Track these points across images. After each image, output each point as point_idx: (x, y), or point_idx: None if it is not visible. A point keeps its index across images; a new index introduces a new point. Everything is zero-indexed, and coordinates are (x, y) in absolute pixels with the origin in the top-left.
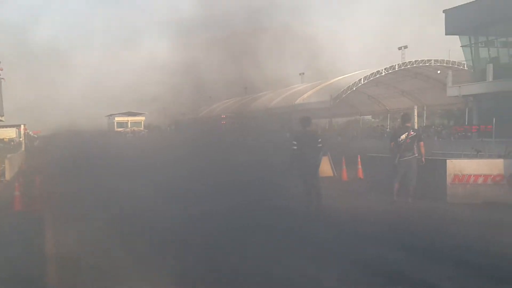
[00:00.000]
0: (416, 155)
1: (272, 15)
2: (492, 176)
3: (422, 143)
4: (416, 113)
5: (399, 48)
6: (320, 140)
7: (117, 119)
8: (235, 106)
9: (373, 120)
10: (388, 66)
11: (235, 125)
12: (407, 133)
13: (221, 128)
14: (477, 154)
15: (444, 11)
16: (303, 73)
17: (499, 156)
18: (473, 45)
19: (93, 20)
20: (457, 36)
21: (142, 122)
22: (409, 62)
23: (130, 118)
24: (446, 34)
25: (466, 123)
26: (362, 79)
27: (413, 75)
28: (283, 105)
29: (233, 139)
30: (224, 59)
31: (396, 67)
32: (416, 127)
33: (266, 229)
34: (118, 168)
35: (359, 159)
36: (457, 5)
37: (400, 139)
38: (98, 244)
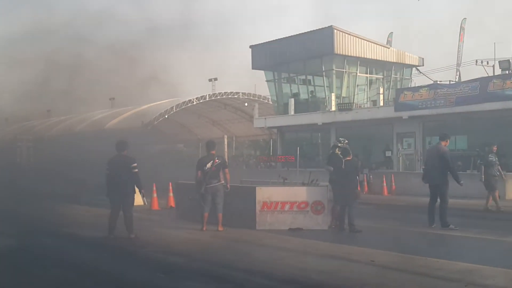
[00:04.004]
0: (223, 182)
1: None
2: (298, 203)
3: (227, 170)
4: (226, 143)
5: (210, 80)
6: (135, 164)
7: None
8: (35, 129)
9: (185, 149)
10: (199, 96)
11: (33, 150)
12: (212, 161)
13: (16, 154)
14: (284, 182)
15: (250, 46)
16: (113, 98)
17: (303, 184)
18: (276, 80)
19: None
20: (263, 71)
21: None
22: (219, 93)
23: None
24: (252, 69)
25: (271, 153)
26: (174, 107)
27: (223, 106)
28: (90, 129)
29: (30, 166)
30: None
31: (207, 97)
32: (226, 156)
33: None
34: None
35: (170, 187)
36: (262, 42)
37: (206, 167)
38: None
